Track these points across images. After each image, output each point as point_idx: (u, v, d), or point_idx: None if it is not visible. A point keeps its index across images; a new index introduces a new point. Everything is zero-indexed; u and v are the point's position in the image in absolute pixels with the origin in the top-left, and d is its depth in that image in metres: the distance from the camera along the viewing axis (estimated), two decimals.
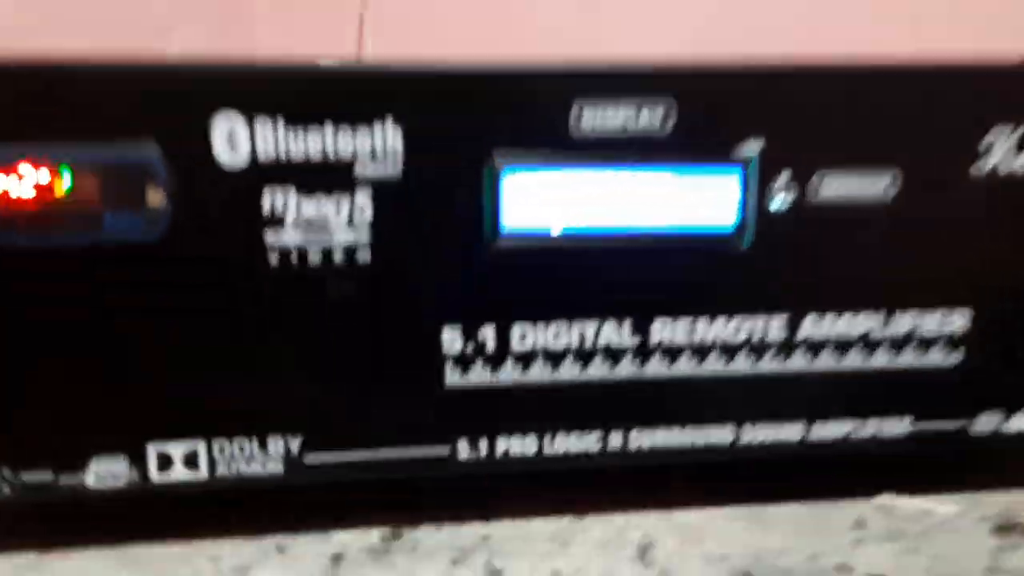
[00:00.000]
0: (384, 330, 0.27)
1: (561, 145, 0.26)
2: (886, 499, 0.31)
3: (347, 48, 0.45)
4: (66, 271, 0.26)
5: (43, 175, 0.25)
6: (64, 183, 0.25)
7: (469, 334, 0.28)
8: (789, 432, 0.30)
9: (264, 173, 0.26)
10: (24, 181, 0.25)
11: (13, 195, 0.25)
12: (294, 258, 0.26)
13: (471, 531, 0.29)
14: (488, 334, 0.28)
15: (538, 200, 0.27)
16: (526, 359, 0.28)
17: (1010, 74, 0.28)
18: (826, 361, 0.29)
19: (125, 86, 0.25)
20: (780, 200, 0.27)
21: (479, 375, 0.28)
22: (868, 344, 0.29)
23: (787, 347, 0.29)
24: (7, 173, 0.25)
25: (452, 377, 0.28)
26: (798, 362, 0.29)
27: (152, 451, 0.28)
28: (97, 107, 0.25)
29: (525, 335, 0.28)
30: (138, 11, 0.44)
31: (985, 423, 0.30)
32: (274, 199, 0.26)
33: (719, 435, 0.30)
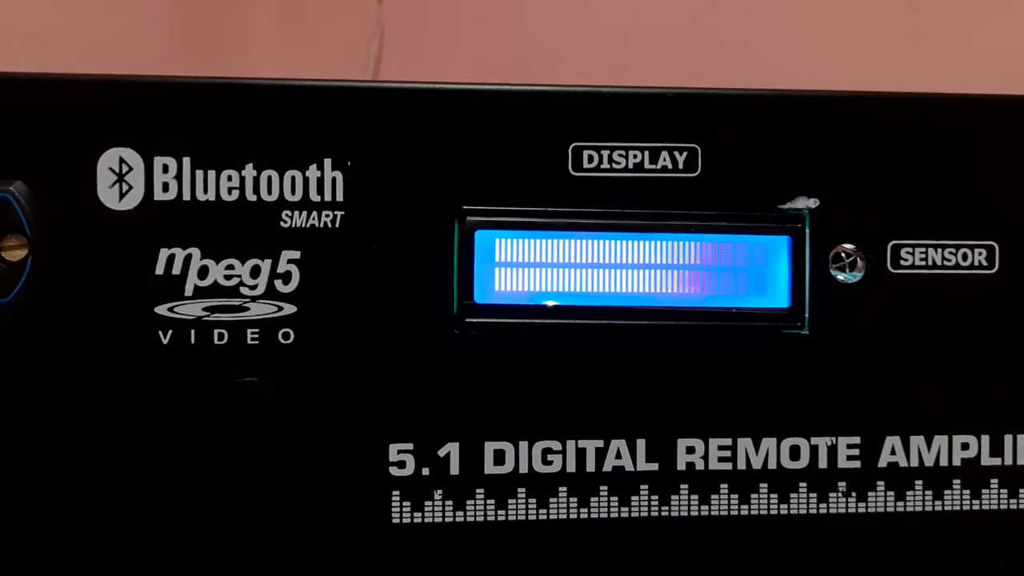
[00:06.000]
0: (310, 442, 0.22)
1: (554, 195, 0.22)
2: None
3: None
4: None
5: None
6: None
7: (426, 452, 0.22)
8: None
9: (160, 224, 0.21)
10: None
11: None
12: (193, 337, 0.22)
13: None
14: (452, 452, 0.22)
15: (524, 266, 0.22)
16: (503, 489, 0.22)
17: None
18: (918, 501, 0.23)
19: None
20: (846, 273, 0.23)
21: (438, 510, 0.22)
22: (973, 477, 0.23)
23: (864, 480, 0.23)
24: None
25: (401, 512, 0.22)
26: (880, 501, 0.23)
27: None
28: None
29: (503, 455, 0.22)
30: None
31: None
32: (171, 258, 0.22)
33: None
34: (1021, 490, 0.23)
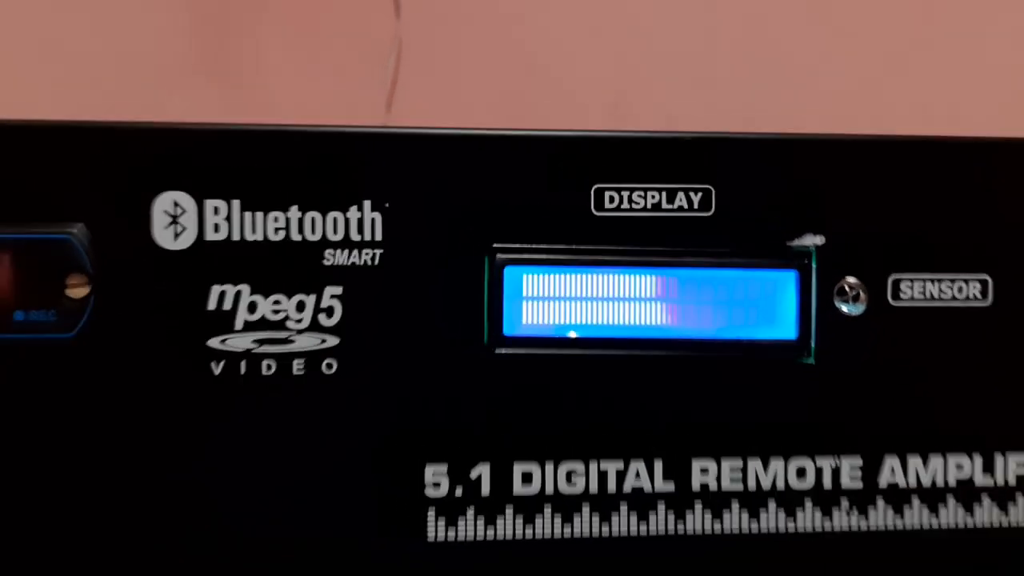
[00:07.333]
0: (352, 465, 0.24)
1: (578, 233, 0.24)
2: None
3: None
4: None
5: None
6: None
7: (459, 473, 0.24)
8: None
9: (212, 263, 0.23)
10: None
11: None
12: (243, 368, 0.23)
13: None
14: (483, 473, 0.24)
15: (550, 300, 0.24)
16: (531, 508, 0.24)
17: None
18: (916, 517, 0.25)
19: (49, 154, 0.23)
20: (850, 305, 0.24)
21: (470, 527, 0.24)
22: (967, 495, 0.25)
23: (865, 498, 0.25)
24: None
25: (436, 529, 0.24)
26: (880, 518, 0.25)
27: None
28: (12, 179, 0.23)
29: (530, 476, 0.24)
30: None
31: None
32: (222, 294, 0.23)
33: None
34: (1011, 506, 0.25)
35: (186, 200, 0.23)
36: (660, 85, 0.47)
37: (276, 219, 0.23)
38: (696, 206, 0.24)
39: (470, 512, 0.24)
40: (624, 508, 0.24)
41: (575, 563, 0.24)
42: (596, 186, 0.24)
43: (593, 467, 0.24)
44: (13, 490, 0.23)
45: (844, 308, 0.25)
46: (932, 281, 0.25)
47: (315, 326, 0.23)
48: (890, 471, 0.25)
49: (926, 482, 0.25)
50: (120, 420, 0.23)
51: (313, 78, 0.53)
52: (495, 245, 0.24)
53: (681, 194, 0.24)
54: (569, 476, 0.24)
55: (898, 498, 0.25)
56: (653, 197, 0.24)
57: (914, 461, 0.25)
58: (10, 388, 0.23)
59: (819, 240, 0.25)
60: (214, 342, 0.23)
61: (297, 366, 0.23)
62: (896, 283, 0.25)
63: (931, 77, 0.43)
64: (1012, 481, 0.25)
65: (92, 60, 0.45)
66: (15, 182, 0.23)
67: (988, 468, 0.25)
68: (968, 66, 0.43)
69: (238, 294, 0.23)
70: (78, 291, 0.23)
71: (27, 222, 0.23)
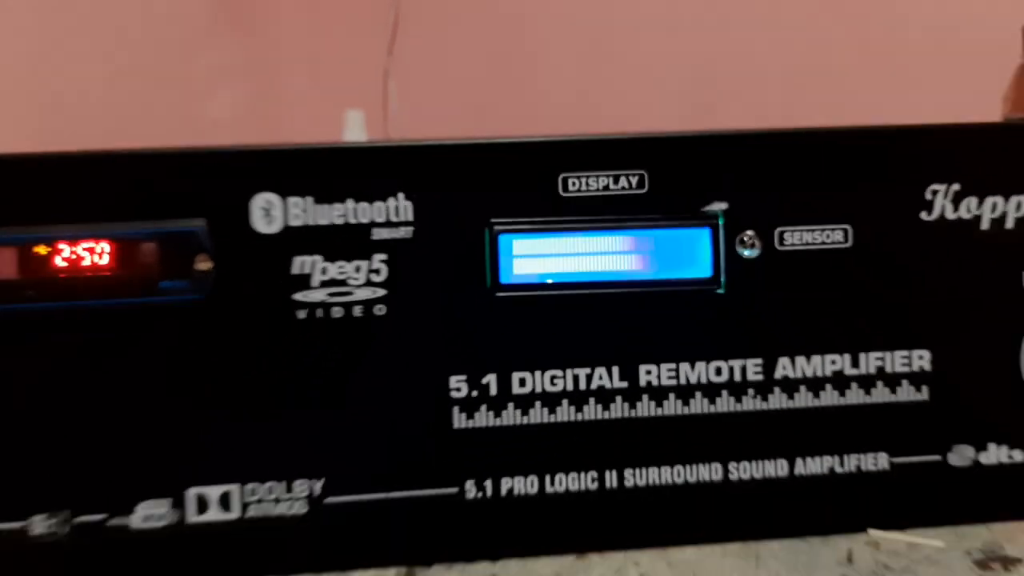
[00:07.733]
0: (398, 378, 0.34)
1: (551, 209, 0.34)
2: (874, 534, 0.36)
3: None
4: (124, 329, 0.33)
5: (110, 248, 0.33)
6: (127, 254, 0.33)
7: (474, 381, 0.34)
8: (775, 468, 0.35)
9: (295, 241, 0.33)
10: (95, 254, 0.33)
11: (86, 266, 0.32)
12: (319, 313, 0.33)
13: (480, 570, 0.35)
14: (491, 380, 0.34)
15: (533, 257, 0.34)
16: (526, 403, 0.34)
17: (945, 135, 0.35)
18: (803, 399, 0.35)
19: (179, 171, 0.33)
20: (748, 250, 0.34)
21: (483, 418, 0.34)
22: (840, 383, 0.35)
23: (765, 387, 0.35)
24: (84, 248, 0.32)
25: (459, 420, 0.34)
26: (777, 401, 0.35)
27: (192, 494, 0.34)
28: (155, 190, 0.33)
29: (524, 381, 0.34)
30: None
31: (960, 456, 0.35)
32: (303, 263, 0.33)
33: (708, 472, 0.35)
34: (873, 389, 0.35)
35: (275, 198, 0.33)
36: (634, 31, 0.56)
37: (338, 209, 0.33)
38: (634, 186, 0.34)
39: (483, 408, 0.34)
40: (592, 401, 0.35)
41: (558, 441, 0.34)
42: (562, 175, 0.34)
43: (569, 372, 0.34)
44: (161, 405, 0.33)
45: (744, 253, 0.34)
46: (807, 231, 0.34)
47: (369, 282, 0.34)
48: (783, 368, 0.35)
49: (810, 374, 0.35)
50: (237, 355, 0.33)
51: (323, 28, 0.61)
52: (492, 220, 0.34)
53: (623, 178, 0.34)
54: (552, 379, 0.34)
55: (790, 387, 0.35)
56: (603, 181, 0.34)
57: (800, 360, 0.35)
58: (159, 335, 0.33)
59: (724, 206, 0.34)
60: (298, 296, 0.33)
61: (357, 311, 0.34)
62: (781, 233, 0.34)
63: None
64: (873, 371, 0.35)
65: (128, 23, 0.53)
66: (159, 194, 0.33)
67: (855, 363, 0.35)
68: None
69: (314, 262, 0.33)
70: (204, 266, 0.33)
71: (167, 219, 0.33)
